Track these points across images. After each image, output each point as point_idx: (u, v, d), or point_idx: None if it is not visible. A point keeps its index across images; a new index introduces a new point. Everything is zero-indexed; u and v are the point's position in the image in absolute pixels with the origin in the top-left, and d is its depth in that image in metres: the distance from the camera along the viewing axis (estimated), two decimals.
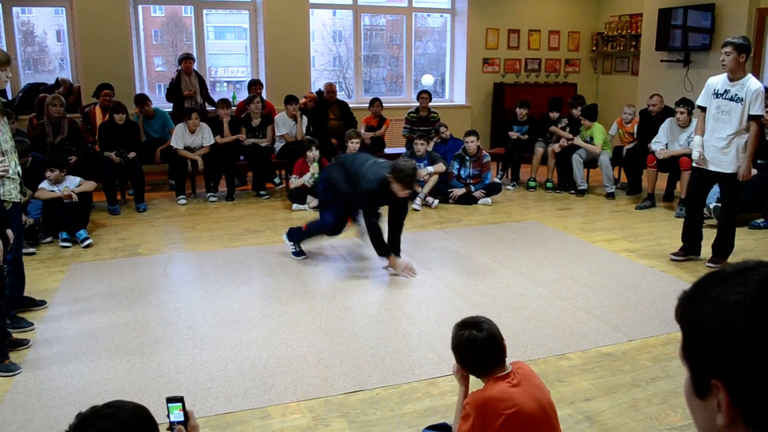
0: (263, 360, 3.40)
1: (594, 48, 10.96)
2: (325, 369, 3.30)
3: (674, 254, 5.15)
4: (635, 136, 7.55)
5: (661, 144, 6.83)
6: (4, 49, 8.01)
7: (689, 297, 0.93)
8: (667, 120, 6.92)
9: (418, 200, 6.93)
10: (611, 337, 3.69)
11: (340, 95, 8.80)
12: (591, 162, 7.67)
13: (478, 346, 2.18)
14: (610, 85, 10.84)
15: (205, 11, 9.15)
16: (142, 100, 7.63)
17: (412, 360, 3.41)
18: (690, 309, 0.91)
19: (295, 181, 6.97)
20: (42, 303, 4.21)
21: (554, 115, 8.06)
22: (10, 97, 7.90)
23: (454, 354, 2.28)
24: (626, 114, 7.74)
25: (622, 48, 10.44)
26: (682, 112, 6.66)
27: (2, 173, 3.58)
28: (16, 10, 8.39)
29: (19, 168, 3.87)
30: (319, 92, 8.88)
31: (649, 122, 7.30)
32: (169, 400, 1.78)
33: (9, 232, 3.44)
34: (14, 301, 3.93)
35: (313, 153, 6.82)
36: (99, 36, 8.26)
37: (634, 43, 10.12)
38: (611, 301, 4.23)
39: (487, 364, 2.20)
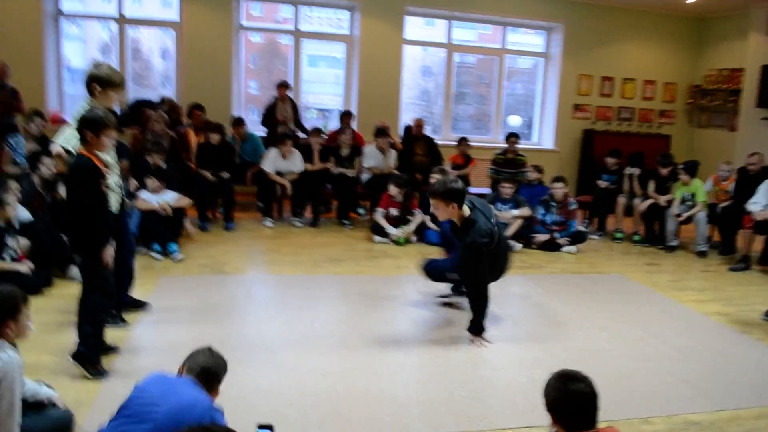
0: (340, 391, 3.42)
1: (691, 100, 10.67)
2: (401, 408, 3.29)
3: (766, 314, 4.95)
4: (731, 194, 7.28)
5: (759, 204, 6.55)
6: (116, 65, 8.55)
7: None
8: (767, 180, 6.64)
9: None
10: (699, 404, 3.53)
11: (427, 131, 8.86)
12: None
13: (586, 400, 2.14)
14: (705, 139, 10.50)
15: (303, 40, 9.44)
16: (239, 122, 7.90)
17: (487, 407, 3.36)
18: None
19: (380, 219, 7.02)
20: (144, 304, 4.49)
21: (635, 170, 7.86)
22: (118, 112, 8.32)
23: (553, 406, 2.20)
24: (723, 171, 7.47)
25: (720, 102, 10.12)
26: None
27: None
28: (128, 28, 8.88)
29: (119, 180, 4.09)
30: (407, 127, 8.98)
31: (747, 181, 7.03)
32: (261, 426, 1.82)
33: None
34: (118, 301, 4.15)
35: (395, 191, 6.91)
36: (203, 57, 8.66)
37: (733, 98, 9.80)
38: (700, 366, 4.05)
39: (583, 421, 2.14)
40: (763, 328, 4.84)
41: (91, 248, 3.43)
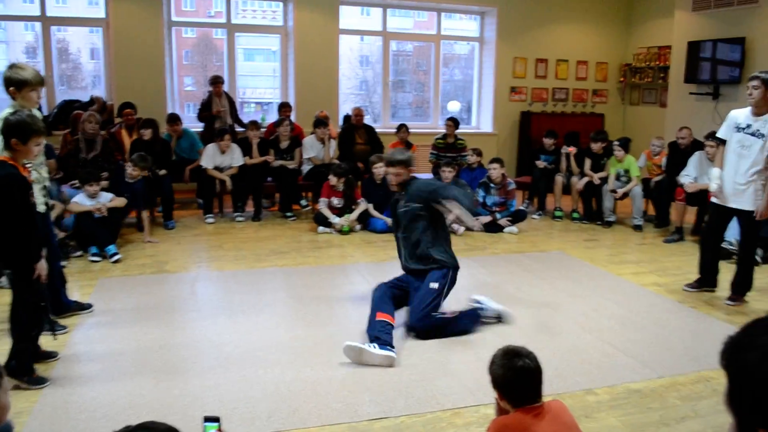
0: (288, 383, 3.40)
1: (622, 79, 10.95)
2: (350, 394, 3.29)
3: (688, 285, 5.15)
4: (663, 168, 7.51)
5: (690, 177, 6.77)
6: (42, 66, 8.27)
7: (735, 343, 0.91)
8: (697, 153, 6.86)
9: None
10: (640, 373, 3.64)
11: (366, 120, 8.87)
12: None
13: (531, 375, 2.19)
14: (638, 116, 10.81)
15: (236, 34, 9.30)
16: (174, 119, 7.74)
17: (436, 388, 3.39)
18: (736, 356, 0.90)
19: (324, 210, 6.99)
20: (89, 306, 4.43)
21: (572, 149, 8.03)
22: (45, 113, 8.06)
23: (500, 382, 2.23)
24: (654, 146, 7.70)
25: (650, 79, 10.43)
26: (711, 146, 6.60)
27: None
28: (53, 28, 8.59)
29: (46, 178, 3.99)
30: (347, 116, 8.96)
31: (678, 155, 7.26)
32: (207, 419, 1.79)
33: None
34: (62, 305, 4.12)
35: (335, 180, 6.90)
36: (133, 55, 8.44)
37: (662, 74, 10.11)
38: (639, 336, 4.18)
39: (529, 395, 2.19)
40: (697, 296, 5.03)
41: (22, 262, 3.27)
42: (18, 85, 3.68)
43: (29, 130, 3.19)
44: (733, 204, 4.74)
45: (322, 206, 7.01)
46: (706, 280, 5.12)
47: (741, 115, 4.68)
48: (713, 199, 4.91)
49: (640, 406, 3.25)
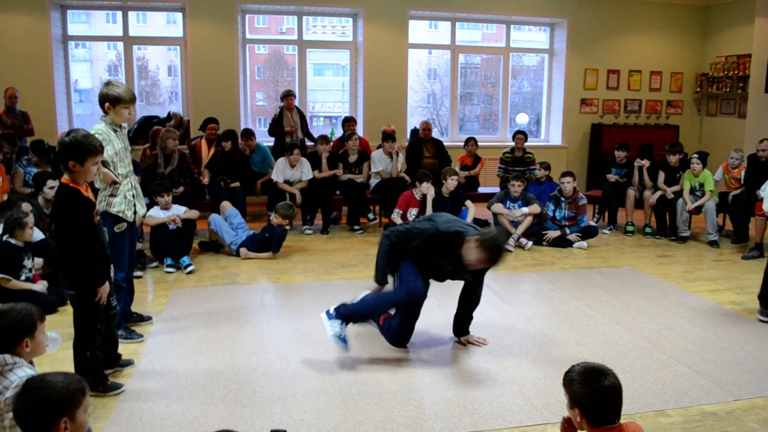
0: (354, 395, 3.44)
1: (698, 89, 10.62)
2: (415, 409, 3.30)
3: (763, 314, 4.71)
4: (742, 182, 7.23)
5: None
6: (124, 83, 8.65)
7: None
8: None
9: (511, 241, 6.86)
10: (715, 395, 3.51)
11: (434, 133, 8.89)
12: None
13: (616, 395, 2.15)
14: (715, 127, 10.45)
15: (307, 49, 9.50)
16: (248, 134, 7.96)
17: (502, 405, 3.36)
18: None
19: (397, 220, 7.01)
20: (149, 318, 4.56)
21: (645, 162, 7.82)
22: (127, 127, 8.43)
23: (583, 402, 2.16)
24: (733, 159, 7.43)
25: (728, 89, 10.07)
26: None
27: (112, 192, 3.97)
28: (134, 47, 8.99)
29: (134, 191, 4.15)
30: (415, 130, 9.00)
31: (758, 168, 6.99)
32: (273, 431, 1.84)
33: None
34: (124, 315, 4.22)
35: (426, 187, 6.93)
36: (209, 72, 8.74)
37: (741, 84, 9.76)
38: (715, 357, 4.03)
39: (610, 415, 2.15)
40: None
41: (85, 285, 3.29)
42: (113, 101, 3.87)
43: (85, 150, 3.16)
44: None
45: (396, 217, 7.04)
46: None
47: None
48: None
49: (716, 429, 3.14)
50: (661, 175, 7.63)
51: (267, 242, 6.46)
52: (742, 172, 7.30)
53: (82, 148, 3.16)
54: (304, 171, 7.64)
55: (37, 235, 5.11)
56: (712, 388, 3.59)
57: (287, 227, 6.58)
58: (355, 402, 3.37)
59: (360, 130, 8.74)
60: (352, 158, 7.98)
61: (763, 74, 8.83)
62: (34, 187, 6.15)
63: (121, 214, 4.03)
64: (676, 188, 7.43)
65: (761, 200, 6.52)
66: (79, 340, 3.39)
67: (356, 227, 7.72)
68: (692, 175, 7.33)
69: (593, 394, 2.14)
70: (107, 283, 3.38)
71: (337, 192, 7.90)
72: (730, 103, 10.14)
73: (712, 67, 10.33)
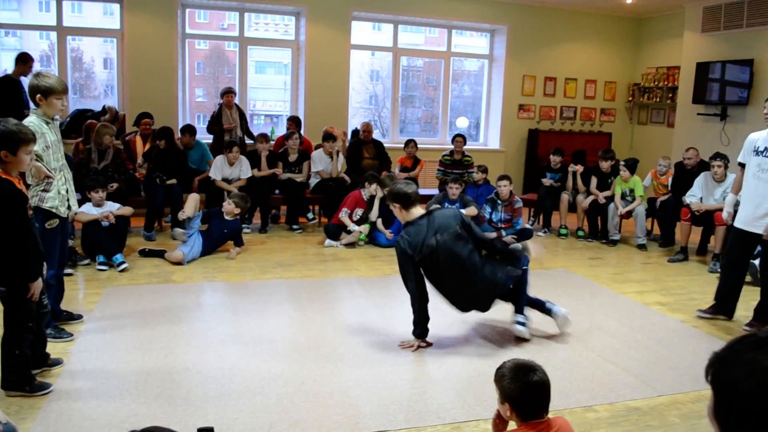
0: (290, 394, 3.43)
1: (630, 98, 11.00)
2: (351, 407, 3.32)
3: (702, 311, 4.98)
4: (669, 188, 7.53)
5: (695, 197, 6.80)
6: (57, 74, 8.37)
7: (721, 358, 0.94)
8: (703, 174, 6.89)
9: None
10: (640, 391, 3.65)
11: (375, 134, 8.93)
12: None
13: (544, 390, 2.22)
14: (645, 136, 10.84)
15: (248, 47, 9.41)
16: (188, 130, 7.78)
17: (437, 403, 3.41)
18: (722, 371, 0.93)
19: (344, 218, 7.08)
20: (79, 317, 4.41)
21: (578, 168, 8.07)
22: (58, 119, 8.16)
23: (513, 397, 2.23)
24: (661, 166, 7.72)
25: (658, 99, 10.46)
26: (718, 166, 6.62)
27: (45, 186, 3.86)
28: (68, 38, 8.72)
29: (68, 186, 4.05)
30: (356, 131, 9.02)
31: (684, 175, 7.28)
32: (200, 430, 1.82)
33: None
34: (54, 313, 4.09)
35: (371, 190, 7.05)
36: (146, 66, 8.55)
37: (670, 95, 10.15)
38: (641, 355, 4.19)
39: (539, 409, 2.22)
40: (707, 320, 5.01)
41: (17, 280, 3.17)
42: (45, 92, 3.77)
43: (17, 138, 3.06)
44: (752, 228, 4.55)
45: (344, 216, 7.07)
46: (721, 308, 4.91)
47: (759, 138, 4.55)
48: (736, 224, 4.70)
49: (640, 423, 3.27)
50: (594, 181, 7.87)
51: (227, 238, 6.51)
52: (670, 179, 7.59)
53: (14, 137, 3.05)
54: (243, 169, 7.56)
55: None
56: (637, 384, 3.74)
57: (238, 218, 6.58)
58: (291, 400, 3.36)
59: (301, 130, 8.70)
60: (292, 157, 7.95)
61: (690, 86, 9.21)
62: None
63: (54, 210, 3.92)
64: (607, 193, 7.68)
65: (687, 206, 6.82)
66: (9, 338, 3.28)
67: (295, 227, 7.69)
68: (623, 181, 7.58)
69: (522, 389, 2.21)
70: (40, 280, 3.28)
71: (277, 191, 7.85)
72: (660, 112, 10.54)
73: (644, 77, 10.71)
